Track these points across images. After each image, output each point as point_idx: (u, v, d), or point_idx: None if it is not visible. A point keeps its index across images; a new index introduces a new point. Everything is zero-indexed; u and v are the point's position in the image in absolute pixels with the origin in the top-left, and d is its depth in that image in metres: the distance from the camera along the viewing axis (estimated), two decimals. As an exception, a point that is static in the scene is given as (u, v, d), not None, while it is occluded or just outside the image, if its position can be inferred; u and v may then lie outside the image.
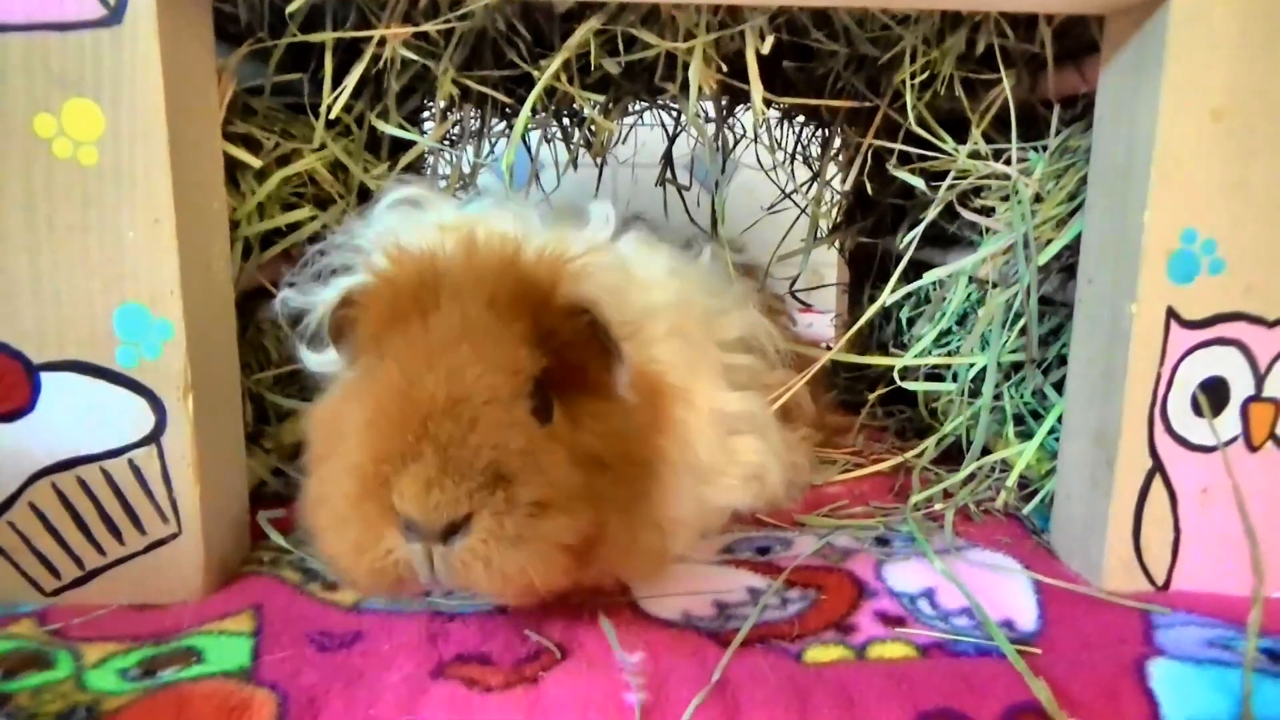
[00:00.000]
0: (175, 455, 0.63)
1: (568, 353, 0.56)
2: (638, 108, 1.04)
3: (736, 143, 1.23)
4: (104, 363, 0.61)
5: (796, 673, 0.56)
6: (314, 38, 0.69)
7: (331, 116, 0.70)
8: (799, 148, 1.27)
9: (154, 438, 0.62)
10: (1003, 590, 0.66)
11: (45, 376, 0.61)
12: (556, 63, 0.73)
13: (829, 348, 1.40)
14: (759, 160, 1.27)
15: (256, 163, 0.72)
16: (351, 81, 0.68)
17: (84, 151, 0.59)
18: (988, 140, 0.82)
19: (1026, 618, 0.63)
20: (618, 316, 0.59)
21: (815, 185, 1.19)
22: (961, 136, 0.84)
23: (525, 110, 0.74)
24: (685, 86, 0.76)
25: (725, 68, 0.74)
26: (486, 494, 0.50)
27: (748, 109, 1.14)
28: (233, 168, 0.72)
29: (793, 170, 1.30)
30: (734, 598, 0.65)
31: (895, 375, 0.81)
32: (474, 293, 0.55)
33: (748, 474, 0.72)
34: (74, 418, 0.62)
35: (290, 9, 0.61)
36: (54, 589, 0.64)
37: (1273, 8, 0.61)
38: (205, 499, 0.64)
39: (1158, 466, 0.66)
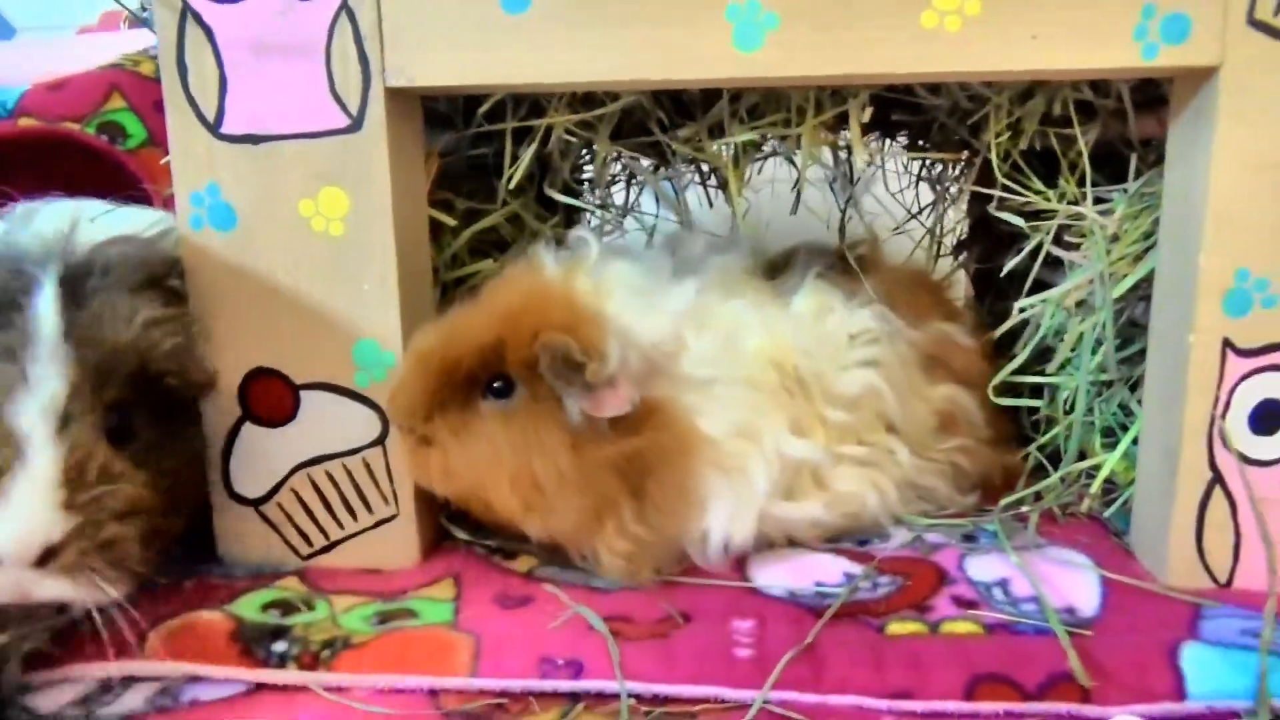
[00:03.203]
0: (396, 455, 0.81)
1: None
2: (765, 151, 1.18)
3: (868, 168, 1.34)
4: (346, 384, 0.80)
5: (877, 641, 0.69)
6: (496, 127, 0.87)
7: (510, 187, 0.87)
8: (923, 172, 1.37)
9: (380, 441, 0.81)
10: (1071, 582, 0.76)
11: (304, 394, 0.81)
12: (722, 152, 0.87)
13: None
14: (885, 185, 1.38)
15: (452, 222, 0.90)
16: (525, 159, 0.85)
17: (333, 226, 0.79)
18: (1082, 179, 0.91)
19: (1088, 606, 0.73)
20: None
21: (934, 212, 1.29)
22: (1057, 172, 0.93)
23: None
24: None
25: (833, 136, 0.87)
26: None
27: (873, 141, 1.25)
28: (433, 225, 0.90)
29: (918, 192, 1.40)
30: (832, 580, 0.78)
31: (989, 392, 0.91)
32: None
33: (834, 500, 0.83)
34: (324, 425, 0.81)
35: (481, 110, 0.79)
36: (308, 554, 0.84)
37: (1315, 73, 0.69)
38: (417, 488, 0.83)
39: (1218, 478, 0.75)
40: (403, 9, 0.74)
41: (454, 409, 0.76)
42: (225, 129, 0.78)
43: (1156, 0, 0.70)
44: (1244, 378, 0.73)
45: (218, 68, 0.77)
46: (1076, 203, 0.87)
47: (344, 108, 0.77)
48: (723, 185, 1.16)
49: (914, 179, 1.38)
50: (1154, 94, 0.86)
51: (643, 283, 0.81)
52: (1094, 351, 0.88)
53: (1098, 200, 0.87)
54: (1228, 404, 0.74)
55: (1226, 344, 0.73)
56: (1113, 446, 0.88)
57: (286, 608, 0.75)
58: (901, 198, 1.41)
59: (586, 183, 1.01)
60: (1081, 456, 0.92)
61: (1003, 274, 0.95)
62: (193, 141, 0.78)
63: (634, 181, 1.18)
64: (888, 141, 1.24)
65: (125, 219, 0.82)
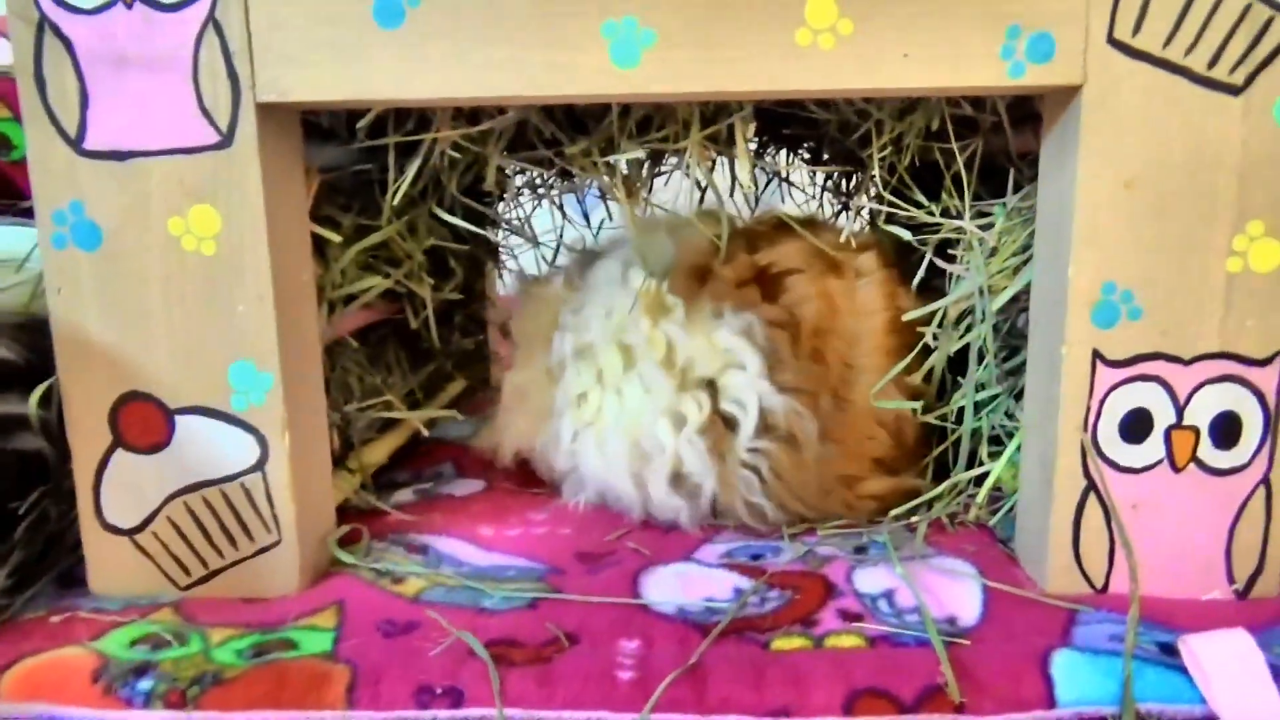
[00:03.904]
0: (276, 480, 0.79)
1: None
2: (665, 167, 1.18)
3: (768, 184, 1.36)
4: (222, 407, 0.78)
5: (761, 657, 0.68)
6: (379, 142, 0.85)
7: (395, 203, 0.86)
8: (827, 184, 1.39)
9: (260, 466, 0.79)
10: (954, 592, 0.77)
11: (179, 419, 0.78)
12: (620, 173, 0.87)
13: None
14: (786, 197, 1.40)
15: (338, 239, 0.88)
16: (409, 174, 0.84)
17: (205, 244, 0.76)
18: (965, 194, 0.93)
19: (969, 615, 0.74)
20: None
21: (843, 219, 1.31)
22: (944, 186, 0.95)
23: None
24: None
25: (729, 149, 0.87)
26: None
27: (774, 153, 1.27)
28: (319, 241, 0.88)
29: (822, 205, 1.42)
30: (723, 596, 0.78)
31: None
32: None
33: None
34: (200, 451, 0.78)
35: (360, 124, 0.77)
36: (186, 585, 0.81)
37: (1171, 91, 0.71)
38: (300, 514, 0.80)
39: (1091, 485, 0.77)
40: (273, 22, 0.72)
41: None
42: (88, 144, 0.75)
43: (1021, 20, 0.71)
44: (1114, 388, 0.75)
45: (78, 81, 0.74)
46: (959, 216, 0.89)
47: (213, 123, 0.74)
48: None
49: (818, 191, 1.40)
50: (1031, 110, 0.88)
51: None
52: (979, 362, 0.90)
53: (979, 214, 0.89)
54: (1099, 413, 0.76)
55: (1096, 355, 0.75)
56: (1000, 455, 0.90)
57: (157, 642, 0.72)
58: (808, 209, 1.43)
59: (487, 196, 1.00)
60: (971, 466, 0.94)
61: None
62: (53, 157, 0.75)
63: (538, 194, 1.18)
64: (791, 155, 1.26)
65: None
